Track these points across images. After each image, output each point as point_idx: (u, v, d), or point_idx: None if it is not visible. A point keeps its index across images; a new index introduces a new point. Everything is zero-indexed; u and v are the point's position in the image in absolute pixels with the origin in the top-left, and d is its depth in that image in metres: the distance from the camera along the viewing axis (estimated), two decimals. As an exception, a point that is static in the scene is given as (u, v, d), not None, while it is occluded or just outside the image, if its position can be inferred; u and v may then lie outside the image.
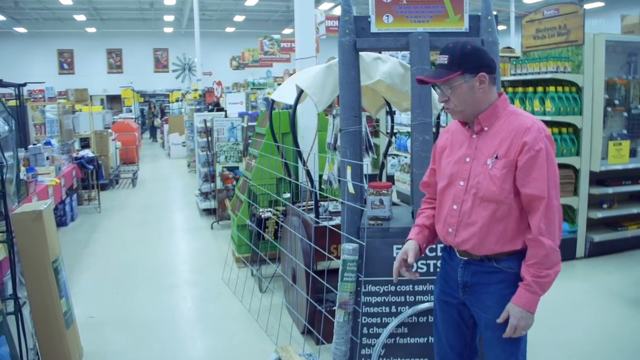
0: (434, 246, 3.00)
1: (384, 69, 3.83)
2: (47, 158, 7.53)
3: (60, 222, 8.21)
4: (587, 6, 6.98)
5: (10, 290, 3.94)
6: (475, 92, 2.24)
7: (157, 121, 24.05)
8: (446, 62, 2.24)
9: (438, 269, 3.00)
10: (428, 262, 3.02)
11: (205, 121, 8.99)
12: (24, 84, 9.03)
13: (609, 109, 5.93)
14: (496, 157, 2.22)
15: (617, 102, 6.01)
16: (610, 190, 5.95)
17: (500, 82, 3.26)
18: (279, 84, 9.91)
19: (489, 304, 2.26)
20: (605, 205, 6.11)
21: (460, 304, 2.39)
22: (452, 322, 2.45)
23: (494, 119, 2.28)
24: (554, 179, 2.19)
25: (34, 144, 7.89)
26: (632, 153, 6.03)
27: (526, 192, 2.18)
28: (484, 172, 2.24)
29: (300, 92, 4.02)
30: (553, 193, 2.17)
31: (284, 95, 4.56)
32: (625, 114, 6.12)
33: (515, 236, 2.23)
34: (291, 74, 9.43)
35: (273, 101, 4.95)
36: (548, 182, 2.16)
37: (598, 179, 6.01)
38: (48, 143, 8.29)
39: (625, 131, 6.11)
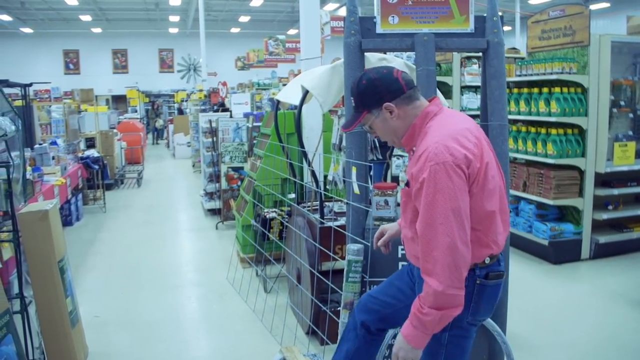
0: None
1: (389, 69, 3.82)
2: (53, 158, 7.56)
3: (66, 222, 8.24)
4: (592, 7, 6.95)
5: (16, 289, 3.95)
6: (390, 122, 2.17)
7: (160, 122, 23.94)
8: (353, 104, 2.23)
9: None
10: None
11: (210, 121, 9.01)
12: (30, 84, 9.08)
13: (615, 110, 5.92)
14: (407, 184, 2.18)
15: (622, 103, 5.99)
16: (615, 191, 5.93)
17: (505, 84, 3.25)
18: (284, 85, 9.93)
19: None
20: (610, 207, 6.09)
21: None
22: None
23: (416, 138, 2.16)
24: (443, 214, 1.94)
25: (40, 144, 7.93)
26: (638, 154, 6.00)
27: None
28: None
29: (306, 93, 4.02)
30: (442, 229, 1.93)
31: (289, 95, 4.57)
32: (631, 115, 6.10)
33: None
34: (296, 75, 9.43)
35: (278, 102, 4.96)
36: (431, 218, 1.96)
37: (603, 180, 6.00)
38: (54, 143, 8.33)
39: (630, 132, 6.10)
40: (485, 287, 2.11)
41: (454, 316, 1.99)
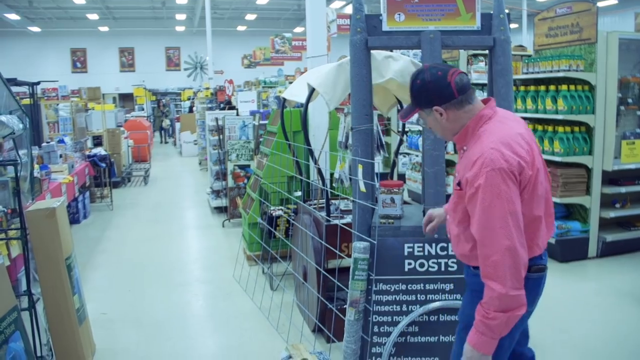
0: (445, 245, 3.00)
1: (395, 67, 3.82)
2: (61, 156, 7.59)
3: (73, 220, 8.28)
4: (600, 4, 6.89)
5: (24, 287, 3.98)
6: (440, 123, 2.24)
7: (166, 122, 23.86)
8: (411, 98, 2.30)
9: (449, 268, 3.00)
10: (439, 260, 3.01)
11: (216, 119, 9.03)
12: (38, 83, 9.11)
13: (622, 107, 5.89)
14: (458, 184, 2.22)
15: (630, 100, 5.96)
16: (623, 189, 5.90)
17: (511, 81, 3.24)
18: (290, 83, 9.93)
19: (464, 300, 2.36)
20: (617, 205, 6.06)
21: None
22: None
23: (469, 139, 2.22)
24: (501, 218, 1.99)
25: (48, 142, 7.96)
26: (645, 152, 5.98)
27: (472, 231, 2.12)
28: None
29: (312, 91, 4.02)
30: (501, 233, 1.99)
31: (296, 93, 4.57)
32: (639, 112, 6.07)
33: None
34: (302, 73, 9.44)
35: (284, 99, 4.96)
36: (489, 222, 2.01)
37: (611, 178, 5.97)
38: (61, 141, 8.36)
39: (638, 130, 6.06)
40: (528, 279, 2.11)
41: (519, 316, 2.02)
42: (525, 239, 2.05)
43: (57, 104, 10.98)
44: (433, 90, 2.18)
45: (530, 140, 2.17)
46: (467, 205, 2.13)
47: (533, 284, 2.19)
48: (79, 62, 29.93)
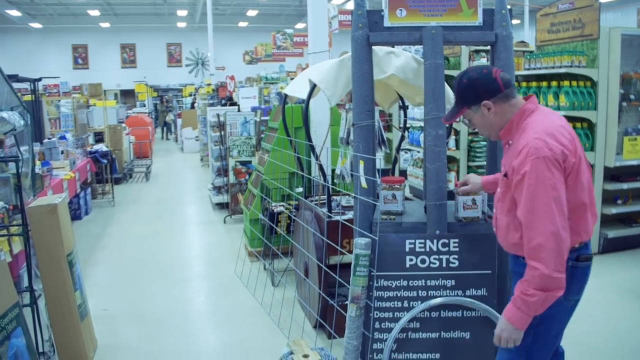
0: (446, 241, 3.00)
1: (397, 63, 3.81)
2: (62, 152, 7.60)
3: (75, 216, 8.29)
4: (602, 0, 6.89)
5: (26, 283, 3.99)
6: (488, 118, 2.38)
7: (170, 116, 23.84)
8: (455, 99, 2.45)
9: (451, 264, 3.00)
10: (441, 257, 3.01)
11: (218, 115, 9.02)
12: (39, 79, 9.11)
13: (624, 103, 5.87)
14: (505, 175, 2.34)
15: (632, 96, 5.94)
16: (625, 185, 5.89)
17: (513, 77, 3.23)
18: (292, 79, 9.92)
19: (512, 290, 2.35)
20: (619, 201, 6.05)
21: None
22: None
23: (514, 132, 2.35)
24: (546, 203, 2.11)
25: (49, 138, 7.97)
26: (648, 148, 5.96)
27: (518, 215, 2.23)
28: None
29: (313, 87, 4.02)
30: (545, 218, 2.10)
31: (297, 89, 4.56)
32: (641, 108, 6.06)
33: None
34: (304, 69, 9.42)
35: (286, 95, 4.96)
36: (534, 208, 2.13)
37: (613, 174, 5.96)
38: (63, 137, 8.36)
39: (640, 126, 6.05)
40: (576, 268, 2.27)
41: (557, 297, 2.15)
42: (569, 225, 2.15)
43: (59, 101, 11.01)
44: (481, 86, 2.34)
45: (572, 131, 2.30)
46: (514, 192, 2.24)
47: (581, 273, 2.31)
48: (80, 58, 29.89)
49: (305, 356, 3.30)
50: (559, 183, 2.14)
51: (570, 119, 5.82)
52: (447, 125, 3.16)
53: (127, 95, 28.49)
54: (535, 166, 2.13)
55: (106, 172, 10.07)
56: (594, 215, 2.35)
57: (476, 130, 2.52)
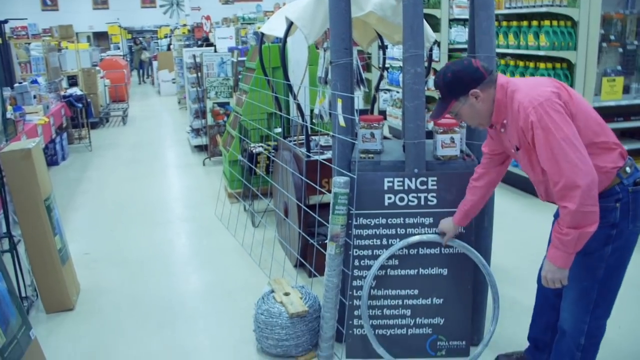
0: (424, 179, 3.02)
1: (375, 0, 3.73)
2: (35, 97, 7.43)
3: (52, 162, 8.18)
4: None
5: (4, 229, 3.96)
6: (476, 107, 2.45)
7: (146, 54, 23.07)
8: (440, 95, 2.50)
9: (429, 202, 3.03)
10: (419, 195, 3.03)
11: (194, 57, 8.83)
12: (5, 21, 8.79)
13: (604, 44, 5.83)
14: (517, 149, 2.44)
15: (612, 37, 5.90)
16: (602, 125, 5.93)
17: (493, 15, 3.18)
18: (269, 19, 9.71)
19: None
20: (596, 140, 6.10)
21: None
22: None
23: (504, 110, 2.43)
24: (557, 146, 2.18)
25: (20, 83, 7.75)
26: (626, 89, 5.96)
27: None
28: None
29: (290, 25, 3.93)
30: (561, 158, 2.18)
31: (274, 28, 4.46)
32: (621, 49, 6.01)
33: None
34: (281, 8, 9.20)
35: (263, 34, 4.85)
36: (549, 153, 2.21)
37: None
38: (34, 82, 8.16)
39: (619, 67, 6.03)
40: (637, 193, 2.32)
41: (591, 233, 2.20)
42: (585, 154, 2.19)
43: (28, 44, 10.65)
44: (466, 76, 2.41)
45: (551, 79, 2.42)
46: (535, 147, 2.29)
47: (637, 197, 2.33)
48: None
49: (287, 294, 3.36)
50: (564, 122, 2.20)
51: (550, 59, 5.80)
52: (425, 64, 3.13)
53: (100, 38, 27.68)
54: (537, 115, 2.22)
55: (82, 116, 9.89)
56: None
57: (463, 123, 2.60)
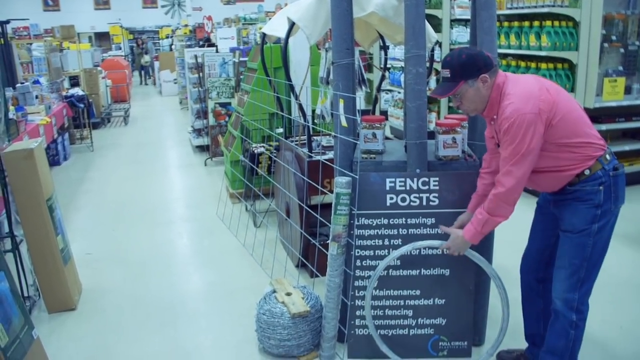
0: (426, 179, 3.02)
1: (377, 0, 3.73)
2: (36, 97, 7.43)
3: (54, 162, 8.19)
4: None
5: (6, 229, 3.97)
6: (481, 91, 2.58)
7: (146, 58, 23.15)
8: (449, 75, 2.59)
9: (431, 203, 3.03)
10: (421, 195, 3.03)
11: (196, 57, 8.84)
12: (7, 21, 8.81)
13: (606, 44, 5.83)
14: (498, 146, 2.65)
15: (614, 37, 5.90)
16: (603, 127, 5.93)
17: (495, 15, 3.18)
18: (271, 19, 9.72)
19: (565, 214, 2.66)
20: (598, 141, 6.10)
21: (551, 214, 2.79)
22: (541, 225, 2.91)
23: (496, 108, 2.60)
24: (522, 156, 2.46)
25: (22, 83, 7.76)
26: (627, 90, 5.97)
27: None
28: None
29: (292, 25, 3.93)
30: (524, 167, 2.49)
31: (276, 28, 4.46)
32: (622, 50, 6.02)
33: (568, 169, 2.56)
34: (283, 8, 9.20)
35: (265, 35, 4.86)
36: (513, 159, 2.49)
37: (592, 115, 5.94)
38: (36, 82, 8.16)
39: (621, 68, 6.03)
40: (617, 177, 2.57)
41: (497, 223, 2.64)
42: (568, 155, 2.53)
43: (30, 44, 10.67)
44: (479, 61, 2.55)
45: (543, 82, 2.57)
46: (502, 142, 2.54)
47: (621, 180, 2.60)
48: (50, 0, 28.83)
49: (288, 294, 3.36)
50: (533, 137, 2.44)
51: (551, 59, 5.80)
52: (427, 64, 3.13)
53: (102, 38, 27.66)
54: (515, 124, 2.43)
55: (83, 116, 9.91)
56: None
57: (459, 108, 2.70)
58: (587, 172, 2.53)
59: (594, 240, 2.58)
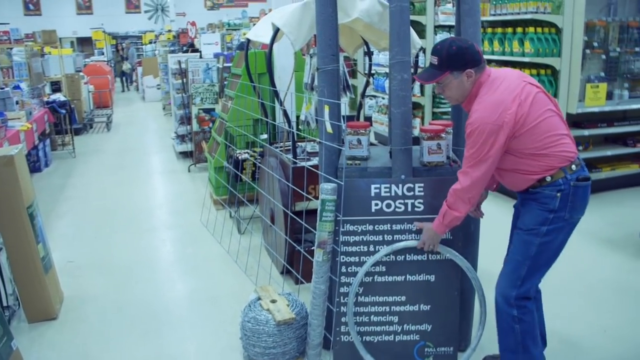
0: (411, 186, 3.02)
1: (362, 6, 3.74)
2: (17, 102, 7.35)
3: (35, 168, 8.09)
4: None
5: (-15, 236, 3.90)
6: (465, 85, 2.64)
7: (127, 65, 22.95)
8: (436, 63, 2.64)
9: (416, 209, 3.03)
10: (406, 201, 3.03)
11: (179, 62, 8.79)
12: (-12, 25, 8.70)
13: (588, 51, 5.90)
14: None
15: (596, 44, 5.97)
16: (586, 132, 5.99)
17: (479, 21, 3.20)
18: (255, 25, 9.71)
19: (522, 212, 2.78)
20: (580, 147, 6.16)
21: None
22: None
23: (473, 102, 2.64)
24: (483, 158, 2.56)
25: (2, 88, 7.66)
26: (609, 96, 6.04)
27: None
28: None
29: (277, 31, 3.92)
30: (483, 170, 2.58)
31: (260, 34, 4.45)
32: (604, 56, 6.09)
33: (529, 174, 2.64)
34: (267, 14, 9.20)
35: (249, 41, 4.84)
36: (475, 158, 2.57)
37: (574, 121, 6.04)
38: (17, 87, 8.07)
39: (603, 74, 6.10)
40: (578, 188, 2.61)
41: (455, 217, 2.71)
42: (532, 162, 2.60)
43: (11, 49, 10.55)
44: (468, 55, 2.59)
45: (516, 89, 2.56)
46: (466, 142, 2.61)
47: (582, 193, 2.64)
48: (31, 4, 28.54)
49: (273, 301, 3.34)
50: (495, 144, 2.51)
51: (534, 65, 5.85)
52: (412, 70, 3.14)
53: (84, 44, 27.43)
54: (479, 129, 2.51)
55: (65, 122, 9.79)
56: (572, 140, 2.72)
57: (441, 94, 2.75)
58: (548, 178, 2.60)
59: (541, 242, 2.65)
